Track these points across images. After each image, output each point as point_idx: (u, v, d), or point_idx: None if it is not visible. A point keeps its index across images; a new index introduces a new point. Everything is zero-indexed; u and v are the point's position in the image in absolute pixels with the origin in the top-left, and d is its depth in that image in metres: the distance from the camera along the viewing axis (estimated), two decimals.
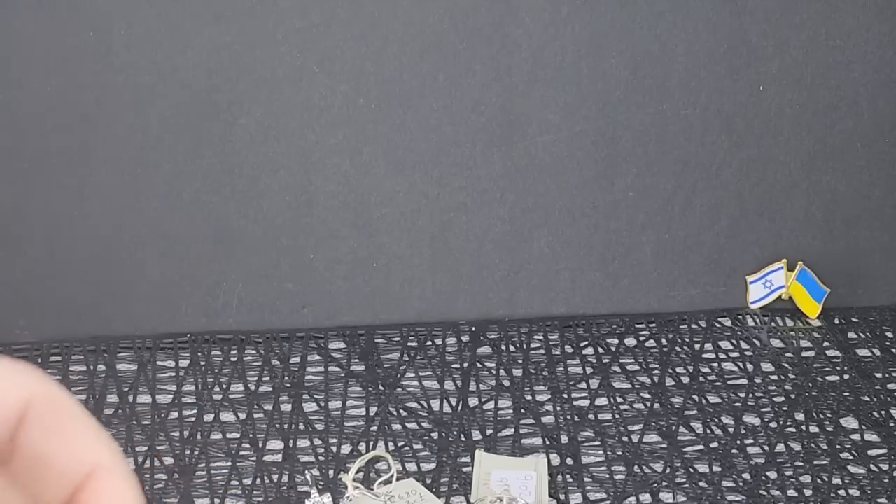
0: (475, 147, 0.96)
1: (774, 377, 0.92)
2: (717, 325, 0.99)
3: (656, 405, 0.89)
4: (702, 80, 0.95)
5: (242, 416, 0.87)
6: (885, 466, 0.83)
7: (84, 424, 0.27)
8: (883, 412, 0.89)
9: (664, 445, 0.84)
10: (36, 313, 0.95)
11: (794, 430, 0.86)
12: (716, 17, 0.94)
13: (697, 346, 0.96)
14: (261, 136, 0.95)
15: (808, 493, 0.80)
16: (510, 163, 0.96)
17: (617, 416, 0.87)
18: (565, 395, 0.89)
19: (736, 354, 0.95)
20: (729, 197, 0.99)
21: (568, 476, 0.81)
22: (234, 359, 0.93)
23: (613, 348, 0.95)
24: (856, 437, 0.86)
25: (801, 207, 0.99)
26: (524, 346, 0.95)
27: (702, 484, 0.81)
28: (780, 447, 0.84)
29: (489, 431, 0.85)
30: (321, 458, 0.82)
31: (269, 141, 0.95)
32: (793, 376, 0.92)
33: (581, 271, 0.99)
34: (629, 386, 0.91)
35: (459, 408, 0.88)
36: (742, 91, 0.96)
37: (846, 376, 0.93)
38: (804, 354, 0.95)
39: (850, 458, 0.84)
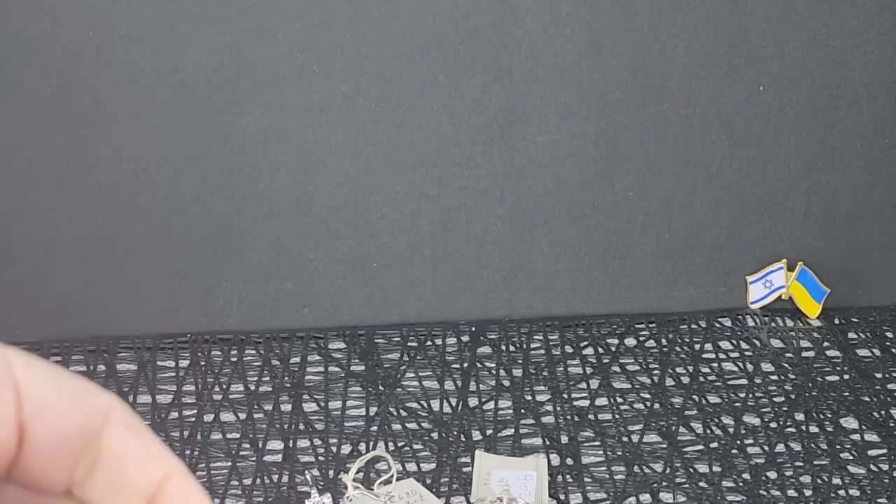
0: (475, 147, 0.96)
1: (774, 377, 0.92)
2: (717, 326, 0.99)
3: (656, 405, 0.89)
4: (702, 80, 0.95)
5: (242, 416, 0.87)
6: (885, 466, 0.83)
7: (152, 436, 0.30)
8: (883, 412, 0.89)
9: (664, 445, 0.84)
10: (36, 313, 0.95)
11: (794, 430, 0.86)
12: (716, 17, 0.94)
13: (697, 347, 0.96)
14: (261, 136, 0.95)
15: (808, 493, 0.80)
16: (510, 163, 0.96)
17: (617, 417, 0.87)
18: (565, 396, 0.89)
19: (736, 354, 0.95)
20: (729, 197, 0.99)
21: (568, 476, 0.81)
22: (234, 359, 0.93)
23: (613, 348, 0.95)
24: (856, 437, 0.86)
25: (801, 207, 0.99)
26: (524, 346, 0.95)
27: (702, 484, 0.81)
28: (780, 447, 0.84)
29: (489, 431, 0.85)
30: (321, 458, 0.82)
31: (269, 141, 0.95)
32: (793, 376, 0.92)
33: (581, 271, 0.99)
34: (629, 386, 0.91)
35: (459, 408, 0.88)
36: (742, 91, 0.96)
37: (846, 376, 0.93)
38: (804, 354, 0.95)
39: (850, 458, 0.84)
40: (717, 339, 0.97)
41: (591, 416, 0.87)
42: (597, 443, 0.84)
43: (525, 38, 0.93)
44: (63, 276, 0.95)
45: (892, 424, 0.87)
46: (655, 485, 0.80)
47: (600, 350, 0.95)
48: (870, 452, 0.84)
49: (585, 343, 0.96)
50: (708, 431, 0.86)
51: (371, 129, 0.95)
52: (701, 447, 0.84)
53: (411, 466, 0.82)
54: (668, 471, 0.82)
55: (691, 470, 0.82)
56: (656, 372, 0.92)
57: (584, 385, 0.91)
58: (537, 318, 0.98)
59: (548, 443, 0.84)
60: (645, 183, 0.98)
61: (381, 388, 0.90)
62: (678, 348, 0.95)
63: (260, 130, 0.94)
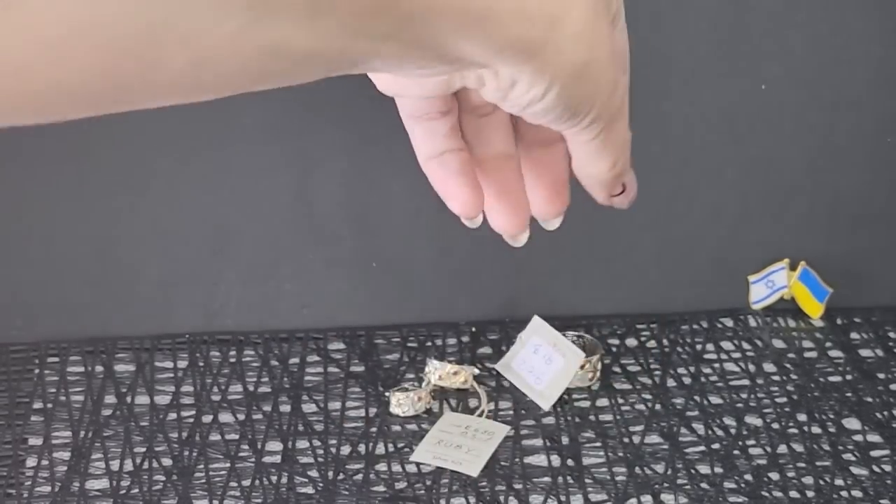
0: None
1: (776, 378, 0.92)
2: (719, 326, 0.98)
3: (657, 406, 0.88)
4: (702, 80, 0.95)
5: (241, 417, 0.86)
6: (888, 468, 0.83)
7: None
8: (885, 413, 0.88)
9: (665, 446, 0.84)
10: (33, 314, 0.95)
11: (796, 430, 0.86)
12: (716, 17, 0.94)
13: (699, 347, 0.95)
14: (261, 136, 0.94)
15: (810, 494, 0.80)
16: None
17: (618, 417, 0.87)
18: (566, 396, 0.89)
19: (738, 355, 0.95)
20: (730, 197, 0.98)
21: (569, 477, 0.81)
22: (232, 359, 0.92)
23: (614, 349, 0.95)
24: (858, 438, 0.86)
25: (803, 207, 0.99)
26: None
27: (703, 485, 0.80)
28: (783, 448, 0.84)
29: None
30: (320, 459, 0.82)
31: (270, 141, 0.94)
32: (795, 377, 0.92)
33: (581, 271, 0.98)
34: (630, 387, 0.90)
35: (459, 408, 0.88)
36: (744, 90, 0.96)
37: (849, 377, 0.92)
38: (806, 355, 0.95)
39: (853, 459, 0.83)
40: (719, 340, 0.96)
41: (591, 417, 0.87)
42: (598, 444, 0.84)
43: None
44: (61, 276, 0.95)
45: (894, 425, 0.87)
46: (657, 486, 0.80)
47: (601, 350, 0.94)
48: (872, 453, 0.84)
49: None
50: (710, 432, 0.86)
51: (371, 129, 0.94)
52: (703, 448, 0.84)
53: (411, 467, 0.82)
54: (669, 472, 0.81)
55: (693, 471, 0.82)
56: (657, 372, 0.92)
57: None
58: None
59: (548, 444, 0.84)
60: (645, 183, 0.97)
61: (380, 388, 0.89)
62: (679, 349, 0.95)
63: (260, 131, 0.94)
